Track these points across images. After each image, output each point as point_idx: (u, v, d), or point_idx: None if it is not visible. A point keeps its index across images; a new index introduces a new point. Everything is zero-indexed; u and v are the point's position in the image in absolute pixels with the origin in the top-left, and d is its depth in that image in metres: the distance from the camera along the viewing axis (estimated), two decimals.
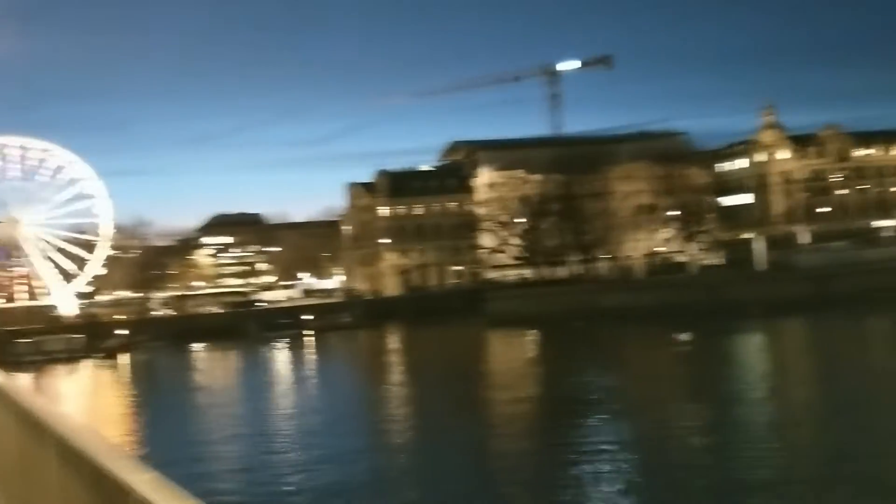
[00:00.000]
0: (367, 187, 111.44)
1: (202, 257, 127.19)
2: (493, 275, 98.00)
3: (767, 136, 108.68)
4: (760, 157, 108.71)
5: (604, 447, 26.72)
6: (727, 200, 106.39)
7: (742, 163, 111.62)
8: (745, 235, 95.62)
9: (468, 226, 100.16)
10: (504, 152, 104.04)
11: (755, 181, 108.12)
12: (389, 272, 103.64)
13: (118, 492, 2.53)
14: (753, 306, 63.96)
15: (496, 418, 34.46)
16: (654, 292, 77.50)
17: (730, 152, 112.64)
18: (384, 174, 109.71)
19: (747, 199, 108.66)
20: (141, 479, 2.43)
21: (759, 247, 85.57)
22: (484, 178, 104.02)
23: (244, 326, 78.70)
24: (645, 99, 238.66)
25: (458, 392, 40.10)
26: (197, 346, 72.86)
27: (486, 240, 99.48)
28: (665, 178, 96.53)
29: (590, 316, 67.11)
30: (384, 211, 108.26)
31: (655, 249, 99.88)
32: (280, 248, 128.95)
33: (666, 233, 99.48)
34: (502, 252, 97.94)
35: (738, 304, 66.68)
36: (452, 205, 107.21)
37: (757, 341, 56.53)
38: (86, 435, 3.55)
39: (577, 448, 26.95)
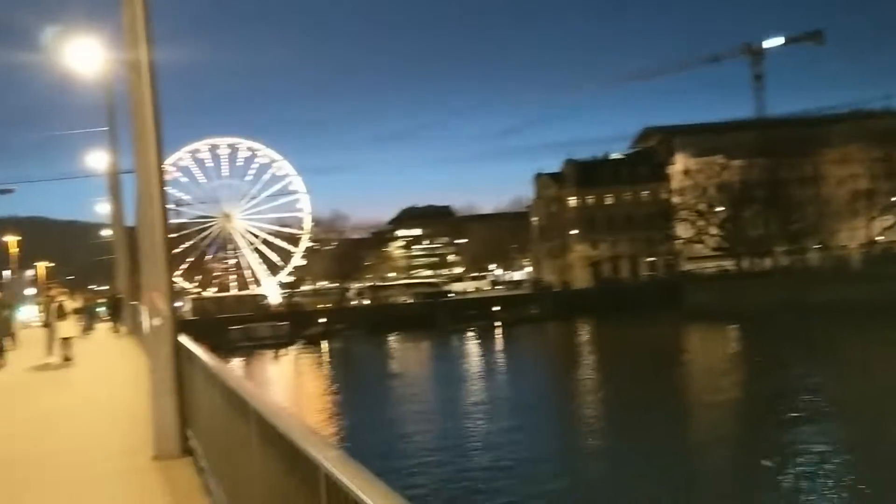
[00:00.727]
0: (556, 178, 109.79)
1: (395, 249, 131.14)
2: (690, 267, 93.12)
3: None
4: None
5: (825, 456, 23.51)
6: None
7: None
8: None
9: (662, 215, 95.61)
10: (702, 137, 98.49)
11: None
12: (579, 264, 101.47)
13: (310, 467, 2.75)
14: None
15: (699, 419, 31.78)
16: (874, 285, 69.65)
17: None
18: (573, 164, 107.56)
19: None
20: (329, 456, 2.62)
21: None
22: (680, 164, 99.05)
23: (435, 317, 79.72)
24: (856, 76, 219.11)
25: (658, 390, 37.56)
26: (390, 336, 74.64)
27: (683, 230, 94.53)
28: (885, 161, 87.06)
29: (799, 310, 61.35)
30: (573, 201, 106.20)
31: (875, 238, 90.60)
32: (469, 240, 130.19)
33: (886, 220, 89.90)
34: (700, 242, 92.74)
35: None
36: (645, 194, 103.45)
37: None
38: (281, 414, 3.64)
39: (801, 455, 23.95)
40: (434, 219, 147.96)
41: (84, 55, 20.86)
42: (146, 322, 8.45)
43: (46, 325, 20.95)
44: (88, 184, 65.36)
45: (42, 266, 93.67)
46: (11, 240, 72.28)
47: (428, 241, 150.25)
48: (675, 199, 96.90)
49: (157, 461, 7.72)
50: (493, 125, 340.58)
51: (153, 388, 8.07)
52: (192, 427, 7.81)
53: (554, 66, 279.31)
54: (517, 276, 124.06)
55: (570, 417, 33.85)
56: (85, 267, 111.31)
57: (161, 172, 8.39)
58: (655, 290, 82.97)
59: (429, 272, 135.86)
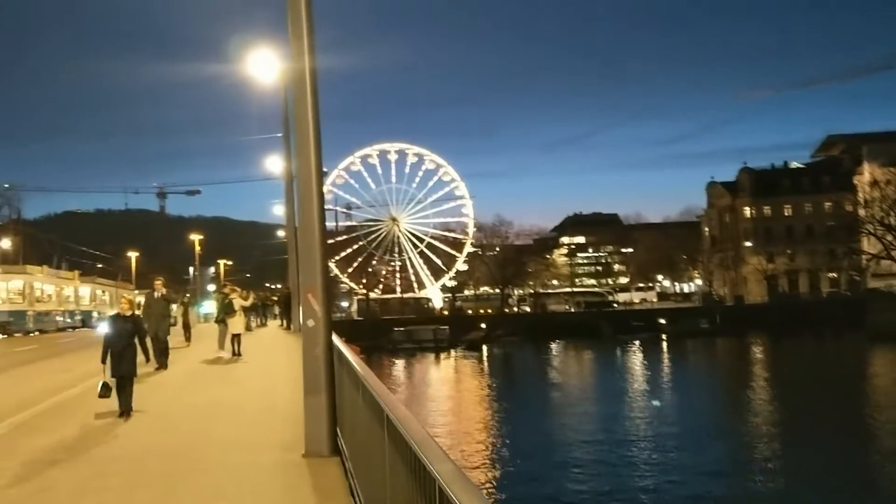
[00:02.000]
0: (730, 186, 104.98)
1: (558, 257, 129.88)
2: (876, 284, 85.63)
3: None
4: None
5: None
6: None
7: None
8: None
9: (846, 228, 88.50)
10: (892, 145, 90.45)
11: None
12: (753, 277, 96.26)
13: (427, 479, 2.89)
14: None
15: (883, 448, 28.92)
16: None
17: None
18: (748, 172, 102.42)
19: None
20: (443, 470, 2.72)
21: None
22: (867, 174, 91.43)
23: (598, 327, 78.20)
24: None
25: (838, 414, 34.66)
26: (552, 344, 73.88)
27: (869, 245, 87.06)
28: None
29: None
30: (748, 211, 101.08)
31: None
32: (635, 250, 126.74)
33: None
34: (888, 259, 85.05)
35: None
36: (828, 205, 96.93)
37: None
38: (410, 423, 3.74)
39: None
40: (600, 226, 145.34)
41: (263, 65, 22.18)
42: (304, 321, 8.66)
43: (220, 320, 22.17)
44: (268, 186, 69.69)
45: (222, 263, 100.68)
46: (196, 238, 78.06)
47: (593, 250, 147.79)
48: (861, 212, 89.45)
49: (307, 459, 7.87)
50: (664, 131, 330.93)
51: (305, 386, 8.25)
52: (341, 427, 7.93)
53: (731, 70, 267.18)
54: (686, 288, 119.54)
55: (741, 438, 31.91)
56: (262, 265, 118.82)
57: (320, 177, 8.59)
58: (837, 307, 77.07)
59: (593, 281, 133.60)
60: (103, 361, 10.73)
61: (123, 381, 10.89)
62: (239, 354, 20.92)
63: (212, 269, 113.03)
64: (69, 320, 55.19)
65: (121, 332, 11.07)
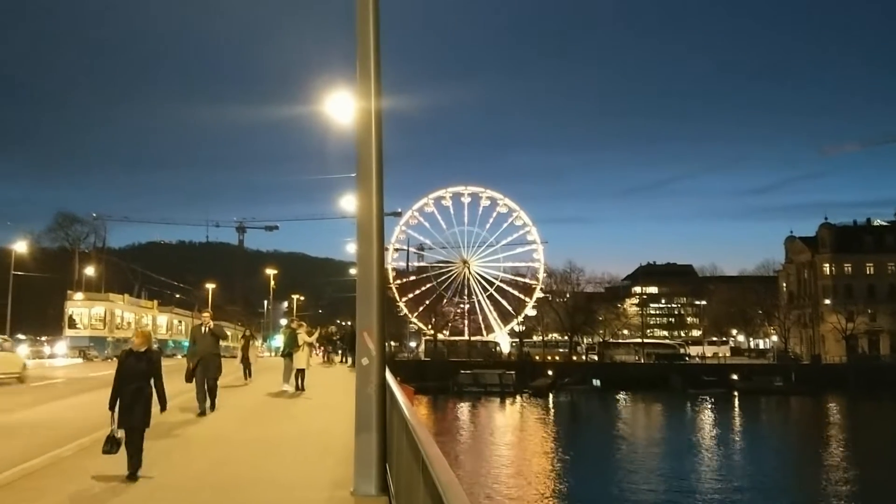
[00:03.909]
0: (810, 242, 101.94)
1: (629, 306, 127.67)
2: None
3: None
4: None
5: None
6: None
7: None
8: None
9: None
10: None
11: None
12: (831, 336, 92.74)
13: None
14: None
15: None
16: None
17: None
18: (829, 228, 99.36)
19: None
20: None
21: None
22: None
23: (668, 379, 76.32)
24: None
25: None
26: (620, 394, 72.34)
27: None
28: None
29: None
30: (828, 268, 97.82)
31: None
32: (710, 302, 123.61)
33: None
34: None
35: None
36: None
37: None
38: (442, 470, 3.63)
39: None
40: (673, 277, 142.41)
41: (339, 106, 22.78)
42: (357, 360, 8.74)
43: (286, 354, 22.55)
44: (343, 224, 70.92)
45: (295, 298, 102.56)
46: (271, 272, 79.90)
47: (665, 301, 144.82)
48: None
49: (355, 497, 7.88)
50: (743, 183, 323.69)
51: (357, 424, 8.30)
52: (391, 466, 7.93)
53: (813, 123, 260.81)
54: (761, 344, 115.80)
55: (811, 501, 30.45)
56: (334, 302, 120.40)
57: (381, 218, 8.73)
58: None
59: (664, 333, 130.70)
60: (111, 408, 8.78)
61: (133, 433, 8.82)
62: (302, 389, 21.20)
63: (285, 304, 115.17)
64: None
65: (133, 372, 8.93)
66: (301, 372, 21.66)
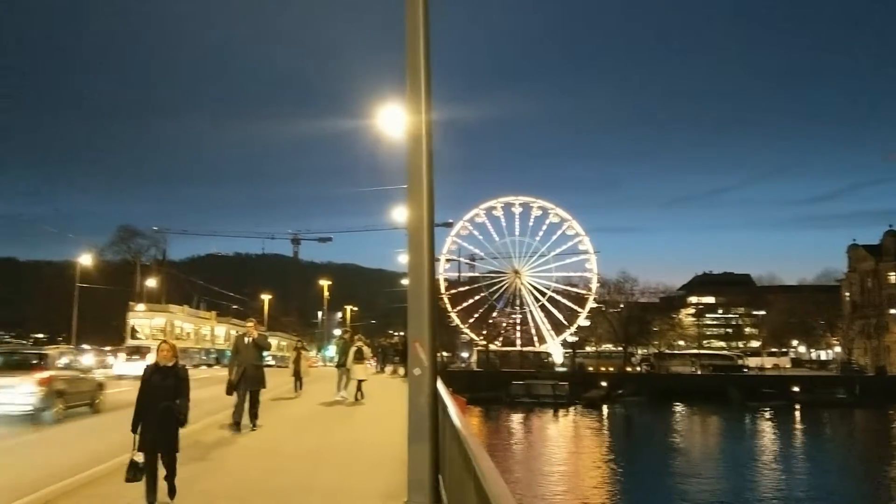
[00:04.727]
0: (874, 250, 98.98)
1: (685, 317, 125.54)
2: None
3: None
4: None
5: None
6: None
7: None
8: None
9: None
10: None
11: None
12: None
13: None
14: None
15: None
16: None
17: None
18: (894, 235, 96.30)
19: None
20: None
21: None
22: None
23: (725, 392, 74.75)
24: None
25: None
26: (675, 406, 71.11)
27: None
28: None
29: None
30: (894, 277, 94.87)
31: None
32: (768, 313, 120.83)
33: None
34: None
35: None
36: None
37: None
38: (494, 480, 3.62)
39: None
40: (730, 287, 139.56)
41: (391, 118, 23.09)
42: (409, 370, 8.82)
43: (340, 365, 22.82)
44: (395, 235, 71.47)
45: (349, 309, 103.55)
46: (325, 284, 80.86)
47: (722, 311, 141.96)
48: None
49: None
50: (803, 190, 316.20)
51: (410, 434, 8.36)
52: (443, 476, 7.97)
53: (880, 128, 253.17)
54: (822, 355, 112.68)
55: None
56: (387, 313, 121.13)
57: (431, 230, 8.80)
58: None
59: (721, 343, 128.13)
60: (134, 430, 7.75)
61: (164, 458, 7.86)
62: (360, 399, 21.47)
63: (339, 315, 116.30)
64: (204, 357, 58.12)
65: (159, 390, 7.88)
66: (361, 383, 21.96)
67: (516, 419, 63.01)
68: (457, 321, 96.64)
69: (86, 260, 65.78)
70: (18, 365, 18.61)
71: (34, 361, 18.75)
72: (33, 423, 16.90)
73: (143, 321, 52.23)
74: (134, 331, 51.71)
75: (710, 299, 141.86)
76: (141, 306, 54.60)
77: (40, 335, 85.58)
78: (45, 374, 18.12)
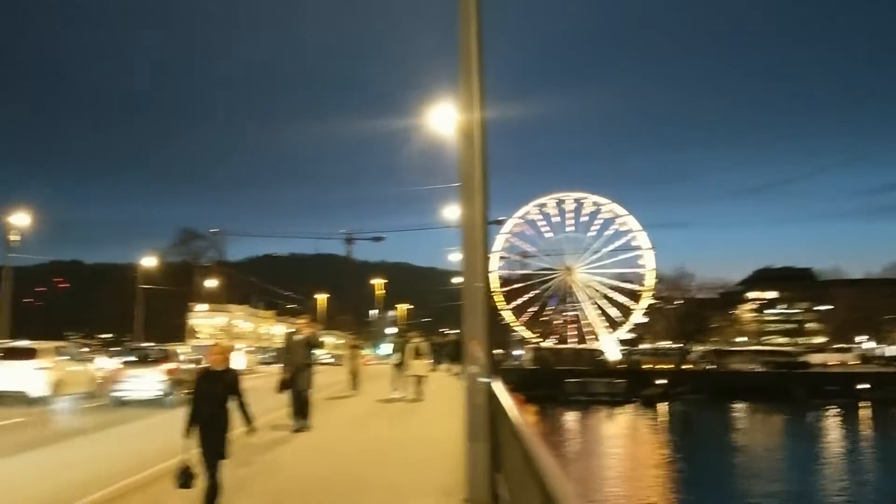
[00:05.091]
0: None
1: (745, 312, 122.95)
2: None
3: None
4: None
5: None
6: None
7: None
8: None
9: None
10: None
11: None
12: None
13: None
14: None
15: None
16: None
17: None
18: None
19: None
20: None
21: None
22: None
23: (788, 389, 72.95)
24: None
25: None
26: (735, 404, 69.66)
27: None
28: None
29: None
30: None
31: None
32: (833, 307, 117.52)
33: None
34: None
35: None
36: None
37: None
38: (557, 479, 3.59)
39: None
40: (792, 281, 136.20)
41: (443, 117, 23.13)
42: (466, 368, 8.84)
43: (399, 363, 23.03)
44: (446, 234, 71.56)
45: (402, 308, 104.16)
46: (379, 282, 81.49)
47: (784, 306, 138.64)
48: None
49: None
50: (867, 181, 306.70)
51: (467, 432, 8.39)
52: (502, 474, 7.97)
53: None
54: (892, 351, 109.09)
55: None
56: (440, 311, 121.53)
57: (485, 228, 8.82)
58: None
59: (783, 340, 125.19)
60: (186, 435, 7.49)
61: (210, 465, 7.47)
62: (419, 397, 21.62)
63: (392, 313, 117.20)
64: (263, 356, 59.12)
65: (208, 396, 7.61)
66: (419, 379, 22.16)
67: (572, 417, 62.52)
68: (510, 318, 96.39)
69: (148, 262, 67.49)
70: (149, 358, 23.54)
71: (161, 356, 23.76)
72: (160, 407, 20.99)
73: (205, 321, 53.44)
74: (195, 330, 52.95)
75: (772, 294, 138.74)
76: (202, 306, 55.91)
77: (106, 335, 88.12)
78: (171, 365, 22.77)
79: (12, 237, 48.10)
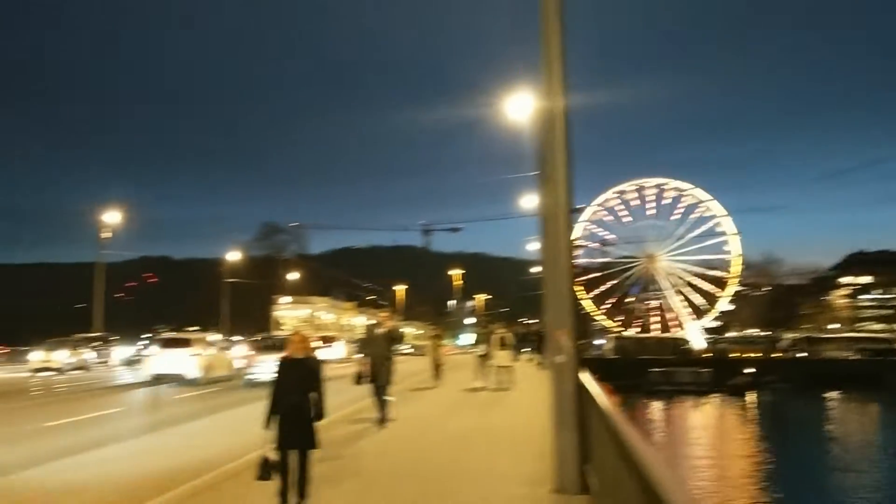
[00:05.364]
0: None
1: (837, 298, 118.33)
2: None
3: None
4: None
5: None
6: None
7: None
8: None
9: None
10: None
11: None
12: None
13: None
14: None
15: None
16: None
17: None
18: None
19: None
20: None
21: None
22: None
23: (885, 376, 69.97)
24: None
25: None
26: (827, 393, 67.19)
27: None
28: None
29: None
30: None
31: None
32: None
33: None
34: None
35: None
36: None
37: None
38: (659, 469, 3.34)
39: None
40: (888, 265, 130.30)
41: (521, 105, 23.02)
42: (552, 358, 8.77)
43: (484, 354, 23.17)
44: (523, 223, 71.26)
45: (481, 298, 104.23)
46: (456, 273, 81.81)
47: (880, 291, 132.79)
48: None
49: (555, 495, 7.92)
50: None
51: (555, 422, 8.34)
52: (591, 464, 7.89)
53: None
54: None
55: None
56: (518, 301, 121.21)
57: (568, 216, 8.70)
58: None
59: (879, 326, 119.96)
60: (266, 426, 7.25)
61: (297, 456, 7.32)
62: (506, 387, 21.68)
63: (469, 303, 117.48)
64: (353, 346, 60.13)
65: (289, 384, 7.35)
66: (504, 369, 22.25)
67: (657, 407, 61.43)
68: (590, 307, 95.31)
69: (233, 256, 69.46)
70: (274, 346, 26.35)
71: (275, 344, 27.48)
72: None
73: (288, 313, 54.72)
74: (279, 322, 54.28)
75: (866, 279, 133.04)
76: (286, 299, 57.25)
77: (194, 327, 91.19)
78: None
79: (104, 234, 50.33)
